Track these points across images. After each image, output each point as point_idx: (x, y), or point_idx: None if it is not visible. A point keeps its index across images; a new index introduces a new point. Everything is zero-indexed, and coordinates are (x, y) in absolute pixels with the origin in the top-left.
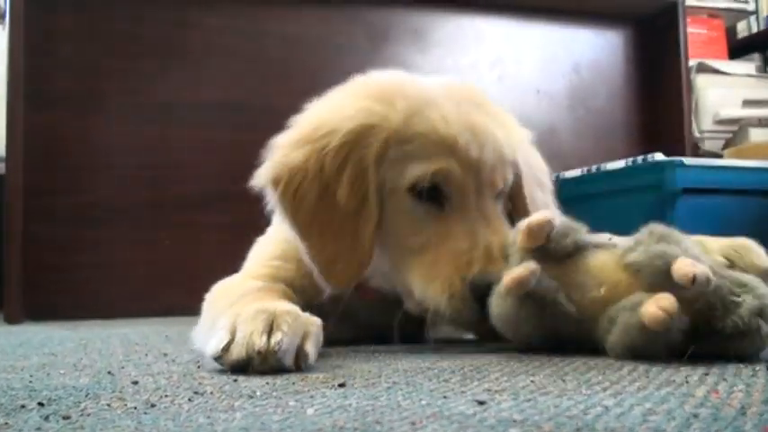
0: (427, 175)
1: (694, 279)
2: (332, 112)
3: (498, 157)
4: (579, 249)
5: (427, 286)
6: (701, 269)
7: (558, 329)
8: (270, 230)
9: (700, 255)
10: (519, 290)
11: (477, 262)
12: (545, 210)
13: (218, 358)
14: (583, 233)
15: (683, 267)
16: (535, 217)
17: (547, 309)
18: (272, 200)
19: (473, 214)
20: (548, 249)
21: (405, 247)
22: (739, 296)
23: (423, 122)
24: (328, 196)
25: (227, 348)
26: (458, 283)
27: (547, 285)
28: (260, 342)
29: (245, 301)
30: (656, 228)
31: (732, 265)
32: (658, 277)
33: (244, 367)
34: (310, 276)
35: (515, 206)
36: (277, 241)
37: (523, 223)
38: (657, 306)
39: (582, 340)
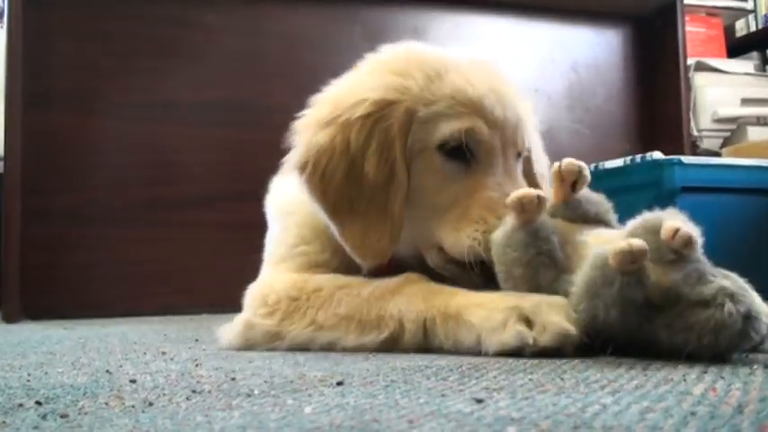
0: (457, 132)
1: (676, 233)
2: (352, 89)
3: (519, 119)
4: (598, 221)
5: (459, 232)
6: (688, 228)
7: (538, 271)
8: (276, 225)
9: (695, 231)
10: (524, 217)
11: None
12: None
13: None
14: (609, 211)
15: (671, 222)
16: (567, 160)
17: (537, 242)
18: (301, 183)
19: (500, 170)
20: (570, 205)
21: (433, 205)
22: (717, 277)
23: (447, 85)
24: (356, 172)
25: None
26: (493, 221)
27: (547, 225)
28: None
29: (401, 299)
30: (674, 211)
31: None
32: (648, 235)
33: (552, 353)
34: (340, 254)
35: (528, 183)
36: (297, 225)
37: (555, 165)
38: (626, 242)
39: (557, 294)
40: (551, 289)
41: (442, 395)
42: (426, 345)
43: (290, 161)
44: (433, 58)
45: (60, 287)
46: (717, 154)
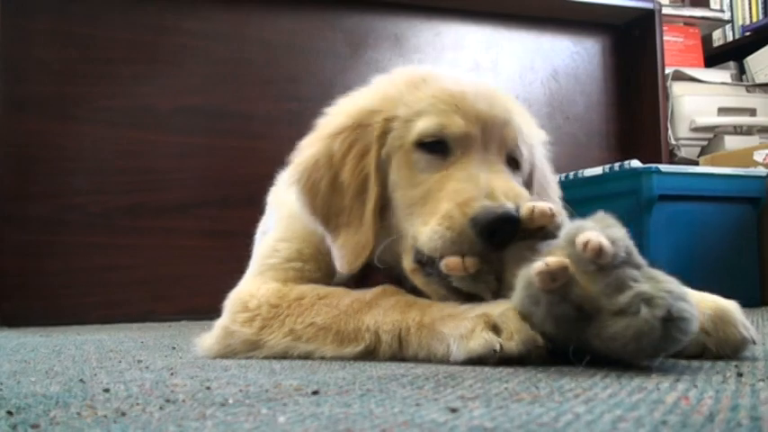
0: (432, 126)
1: (587, 245)
2: (343, 108)
3: (508, 118)
4: (545, 237)
5: (425, 227)
6: (598, 239)
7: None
8: (275, 227)
9: (619, 239)
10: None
11: (478, 200)
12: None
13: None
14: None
15: (584, 235)
16: (540, 205)
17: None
18: (296, 197)
19: (476, 162)
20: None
21: (408, 202)
22: (638, 281)
23: (430, 88)
24: (338, 183)
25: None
26: (458, 216)
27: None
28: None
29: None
30: (600, 215)
31: (707, 334)
32: (570, 247)
33: (520, 360)
34: (333, 274)
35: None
36: (297, 238)
37: (528, 205)
38: (545, 261)
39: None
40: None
41: (417, 404)
42: (402, 355)
43: (290, 175)
44: (429, 72)
45: (37, 294)
46: (694, 163)
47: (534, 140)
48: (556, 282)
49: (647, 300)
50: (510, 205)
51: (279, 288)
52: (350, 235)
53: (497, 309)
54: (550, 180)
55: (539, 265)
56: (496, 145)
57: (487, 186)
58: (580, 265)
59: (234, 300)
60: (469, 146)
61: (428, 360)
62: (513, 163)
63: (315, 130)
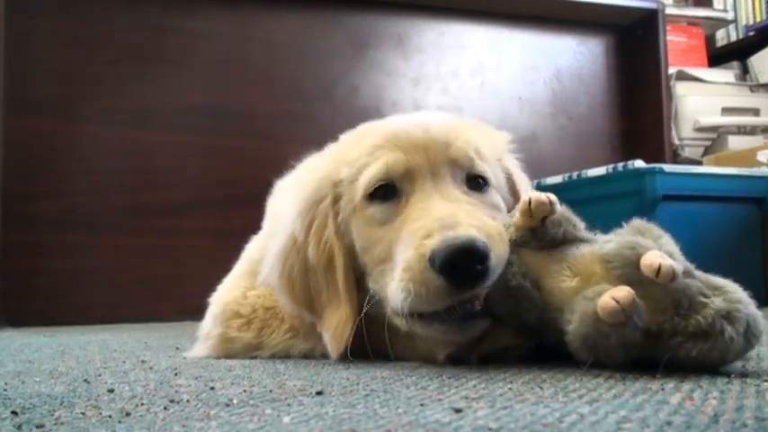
0: (373, 173)
1: (659, 270)
2: (298, 186)
3: (450, 138)
4: (567, 241)
5: (392, 283)
6: (668, 261)
7: (521, 314)
8: (266, 237)
9: (675, 252)
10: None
11: (434, 232)
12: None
13: None
14: (576, 227)
15: (650, 258)
16: (536, 194)
17: (511, 291)
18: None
19: (428, 194)
20: (537, 233)
21: (375, 262)
22: (708, 297)
23: (369, 139)
24: (308, 265)
25: None
26: (415, 262)
27: (513, 270)
28: None
29: None
30: (638, 222)
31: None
32: (627, 268)
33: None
34: None
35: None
36: (267, 238)
37: (524, 198)
38: (612, 296)
39: (547, 329)
40: (540, 325)
41: (421, 405)
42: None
43: (269, 277)
44: (371, 125)
45: (41, 294)
46: (698, 163)
47: (498, 149)
48: (626, 313)
49: (727, 317)
50: (474, 233)
51: (270, 292)
52: (332, 316)
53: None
54: (525, 182)
55: (607, 301)
56: (448, 170)
57: (445, 215)
58: (641, 287)
59: (221, 308)
60: (416, 180)
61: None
62: (480, 182)
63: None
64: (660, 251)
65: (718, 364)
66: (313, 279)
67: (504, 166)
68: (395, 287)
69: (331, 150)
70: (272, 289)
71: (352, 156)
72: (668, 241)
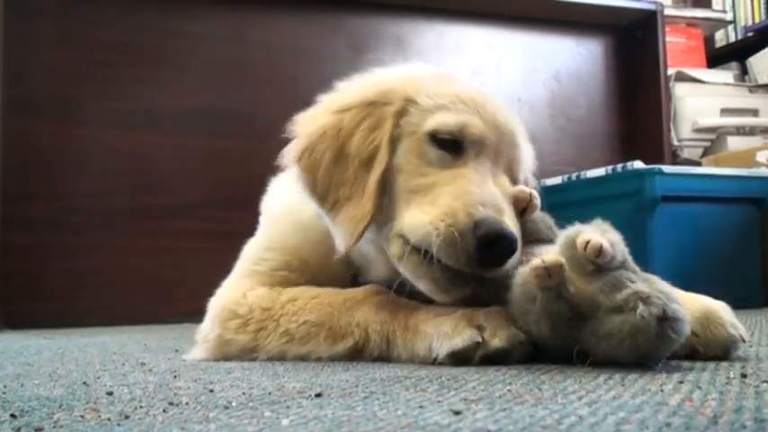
0: (452, 123)
1: (587, 244)
2: (359, 85)
3: (517, 137)
4: (538, 242)
5: (424, 216)
6: (599, 239)
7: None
8: (264, 235)
9: (617, 242)
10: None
11: (487, 207)
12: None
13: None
14: (550, 228)
15: (584, 235)
16: (519, 188)
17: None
18: (296, 175)
19: (486, 172)
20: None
21: (409, 189)
22: (634, 282)
23: (454, 88)
24: (343, 154)
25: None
26: (462, 216)
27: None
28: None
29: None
30: (597, 221)
31: (695, 335)
32: (571, 250)
33: (501, 358)
34: (302, 269)
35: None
36: (284, 249)
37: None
38: (542, 259)
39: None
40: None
41: (420, 407)
42: (388, 355)
43: (288, 154)
44: (453, 74)
45: (41, 296)
46: (697, 163)
47: (530, 162)
48: (552, 279)
49: (644, 298)
50: (510, 226)
51: (268, 292)
52: (350, 210)
53: (482, 310)
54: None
55: (535, 261)
56: (504, 160)
57: (499, 201)
58: (578, 267)
59: (220, 308)
60: (482, 152)
61: (411, 361)
62: (512, 182)
63: (319, 105)
64: (600, 236)
65: (629, 348)
66: (341, 169)
67: (526, 180)
68: (425, 219)
69: (407, 71)
70: (292, 163)
71: (434, 90)
72: (615, 235)
